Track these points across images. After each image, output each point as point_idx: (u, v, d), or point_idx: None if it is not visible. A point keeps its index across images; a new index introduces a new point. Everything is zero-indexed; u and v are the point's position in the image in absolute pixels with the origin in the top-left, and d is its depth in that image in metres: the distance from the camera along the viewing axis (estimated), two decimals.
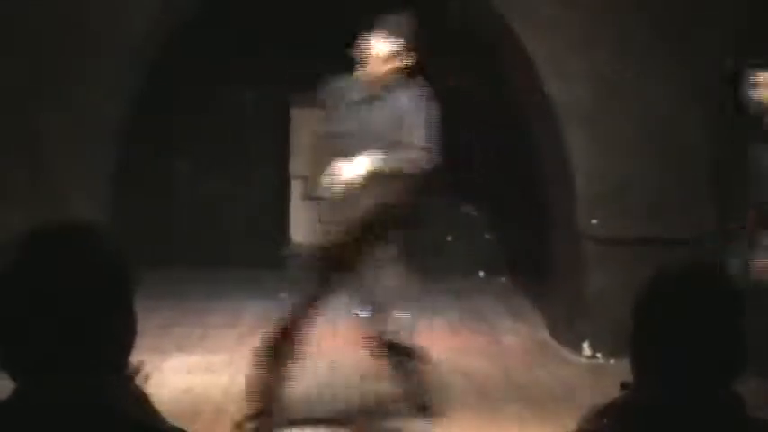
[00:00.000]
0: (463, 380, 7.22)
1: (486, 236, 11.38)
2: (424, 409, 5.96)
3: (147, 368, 1.92)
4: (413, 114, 5.71)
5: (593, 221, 7.68)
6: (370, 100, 5.68)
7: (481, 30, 8.64)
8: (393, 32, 5.68)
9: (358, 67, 5.76)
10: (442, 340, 8.07)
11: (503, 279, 10.96)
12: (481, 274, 11.33)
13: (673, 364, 2.06)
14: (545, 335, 8.58)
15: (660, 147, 7.72)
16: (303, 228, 13.08)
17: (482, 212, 11.17)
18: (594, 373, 7.20)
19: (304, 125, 13.13)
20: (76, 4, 7.46)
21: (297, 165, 13.00)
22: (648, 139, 7.69)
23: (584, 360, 7.69)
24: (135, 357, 1.95)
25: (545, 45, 7.69)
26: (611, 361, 7.40)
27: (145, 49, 7.81)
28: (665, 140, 7.74)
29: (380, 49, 5.63)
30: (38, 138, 7.44)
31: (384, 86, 5.70)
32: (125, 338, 1.92)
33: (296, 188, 13.29)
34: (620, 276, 7.12)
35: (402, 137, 5.62)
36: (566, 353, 7.90)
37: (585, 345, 7.73)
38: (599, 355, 7.68)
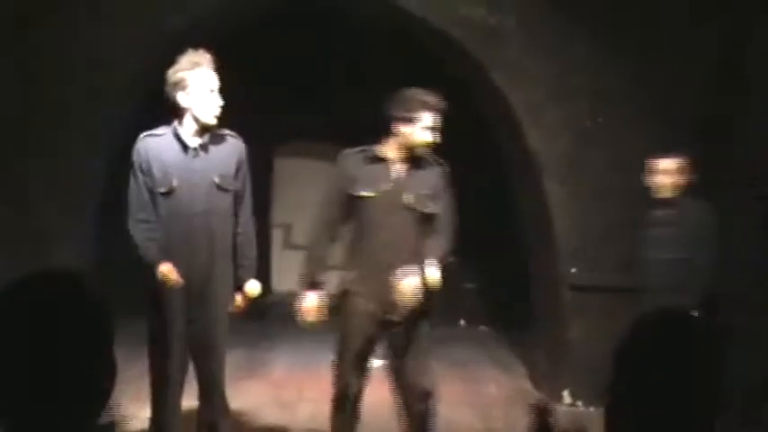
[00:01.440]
0: (444, 429, 7.21)
1: (468, 285, 11.42)
2: None
3: (124, 417, 1.94)
4: (442, 193, 5.87)
5: (573, 270, 7.73)
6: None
7: (460, 79, 8.72)
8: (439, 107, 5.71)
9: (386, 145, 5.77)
10: None
11: (484, 328, 10.98)
12: (462, 323, 11.36)
13: (648, 414, 2.09)
14: (526, 383, 8.60)
15: (638, 196, 7.78)
16: (284, 276, 13.12)
17: (463, 262, 11.21)
18: (575, 421, 7.21)
19: (286, 175, 13.21)
20: (64, 54, 7.51)
21: (278, 214, 13.06)
22: (627, 189, 7.75)
23: (564, 408, 7.70)
24: (113, 406, 1.97)
25: (524, 96, 7.78)
26: (591, 409, 7.42)
27: (129, 97, 7.85)
28: (646, 190, 7.80)
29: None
30: (22, 184, 7.46)
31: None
32: (104, 386, 1.93)
33: (277, 237, 13.33)
34: (600, 325, 7.15)
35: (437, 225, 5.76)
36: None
37: (566, 393, 7.75)
38: (579, 403, 7.70)
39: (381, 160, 5.74)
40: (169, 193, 5.41)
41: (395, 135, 5.72)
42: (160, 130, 5.52)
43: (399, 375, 5.84)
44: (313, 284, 5.75)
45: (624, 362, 2.13)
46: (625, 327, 2.17)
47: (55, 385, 1.84)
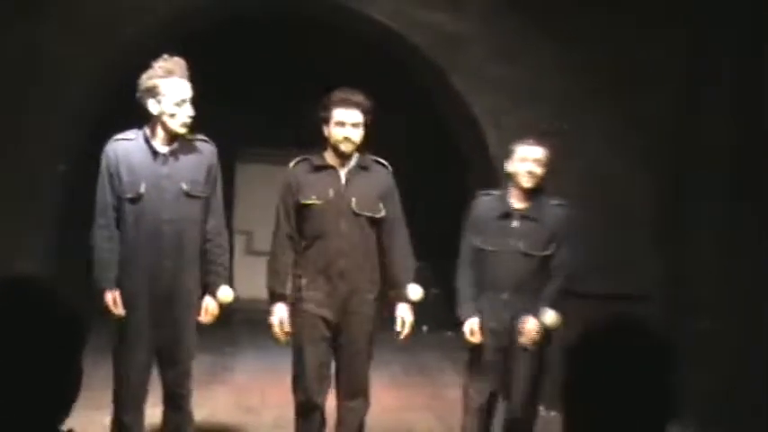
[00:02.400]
0: None
1: (433, 290, 11.43)
2: None
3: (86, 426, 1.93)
4: (390, 197, 5.92)
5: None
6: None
7: (423, 85, 8.75)
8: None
9: None
10: (386, 394, 8.06)
11: (449, 333, 10.99)
12: (425, 328, 11.35)
13: (602, 420, 2.11)
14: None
15: (603, 202, 7.83)
16: (246, 283, 13.08)
17: (428, 267, 11.22)
18: (541, 427, 7.22)
19: (248, 180, 13.18)
20: (22, 62, 7.46)
21: (240, 220, 13.01)
22: (593, 196, 7.80)
23: None
24: (76, 413, 1.96)
25: (486, 101, 7.80)
26: (553, 413, 7.44)
27: (88, 105, 7.81)
28: (609, 196, 7.85)
29: None
30: None
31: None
32: (68, 394, 1.92)
33: (239, 243, 13.29)
34: (566, 330, 7.17)
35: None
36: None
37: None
38: (542, 407, 7.70)
39: (326, 167, 5.75)
40: (137, 199, 5.38)
41: (327, 139, 5.75)
42: (130, 134, 5.48)
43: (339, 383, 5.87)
44: (281, 297, 5.76)
45: (577, 366, 2.15)
46: (577, 331, 2.20)
47: (19, 392, 1.83)
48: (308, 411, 5.80)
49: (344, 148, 5.70)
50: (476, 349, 5.93)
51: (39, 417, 1.86)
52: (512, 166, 5.85)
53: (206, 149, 5.59)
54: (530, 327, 5.73)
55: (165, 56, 5.46)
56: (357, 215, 5.70)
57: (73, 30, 7.54)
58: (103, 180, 5.43)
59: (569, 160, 7.84)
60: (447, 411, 7.95)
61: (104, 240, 5.41)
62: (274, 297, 5.79)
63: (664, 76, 7.78)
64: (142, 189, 5.37)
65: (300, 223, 5.75)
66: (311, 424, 5.82)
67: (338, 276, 5.64)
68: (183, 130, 5.44)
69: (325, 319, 5.70)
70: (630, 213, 7.85)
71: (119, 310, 5.35)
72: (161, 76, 5.38)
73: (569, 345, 2.20)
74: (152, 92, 5.38)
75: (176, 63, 5.44)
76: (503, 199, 5.90)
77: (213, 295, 5.60)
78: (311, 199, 5.69)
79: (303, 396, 5.78)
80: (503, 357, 5.83)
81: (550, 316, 5.76)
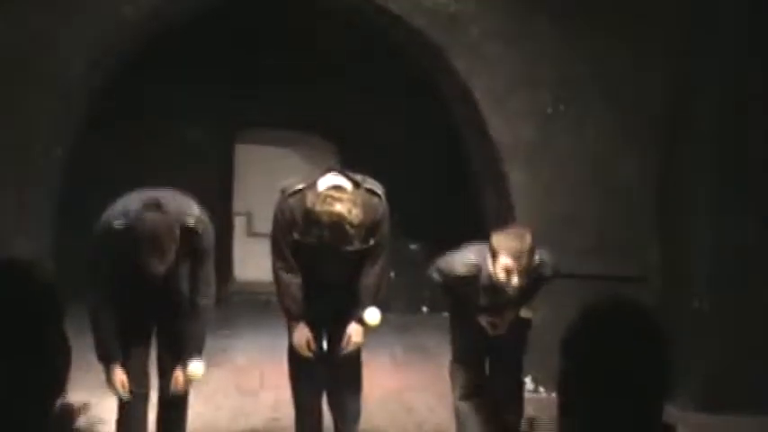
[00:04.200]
0: (407, 415, 7.24)
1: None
2: None
3: (83, 406, 1.94)
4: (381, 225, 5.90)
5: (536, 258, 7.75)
6: None
7: (421, 66, 8.72)
8: None
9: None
10: (386, 376, 8.08)
11: (447, 315, 11.01)
12: (425, 309, 11.37)
13: (597, 400, 2.11)
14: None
15: (602, 185, 7.83)
16: (246, 265, 13.08)
17: (426, 249, 11.22)
18: (537, 407, 7.23)
19: (248, 162, 13.16)
20: (16, 45, 7.43)
21: (240, 201, 13.00)
22: (590, 178, 7.79)
23: (527, 395, 7.71)
24: (72, 393, 1.96)
25: (486, 83, 7.79)
26: (554, 395, 7.45)
27: (85, 88, 7.78)
28: (607, 179, 7.84)
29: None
30: None
31: None
32: (58, 369, 1.93)
33: (239, 225, 13.28)
34: (563, 311, 7.16)
35: None
36: None
37: (528, 379, 7.77)
38: (542, 389, 7.72)
39: None
40: None
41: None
42: None
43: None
44: (299, 317, 5.80)
45: (574, 347, 2.16)
46: (576, 313, 2.20)
47: (10, 371, 1.84)
48: (306, 411, 6.00)
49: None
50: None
51: (28, 394, 1.86)
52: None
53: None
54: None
55: None
56: (349, 252, 5.67)
57: (70, 8, 7.50)
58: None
59: (568, 143, 7.83)
60: (447, 391, 7.97)
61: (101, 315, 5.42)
62: (292, 316, 5.84)
63: (663, 58, 7.76)
64: None
65: (294, 255, 5.80)
66: (311, 419, 6.03)
67: (328, 306, 5.87)
68: None
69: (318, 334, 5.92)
70: (629, 196, 7.83)
71: (126, 394, 5.48)
72: None
73: (566, 326, 2.20)
74: None
75: None
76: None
77: (184, 367, 5.52)
78: (303, 237, 5.67)
79: (301, 398, 6.00)
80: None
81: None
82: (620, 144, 7.82)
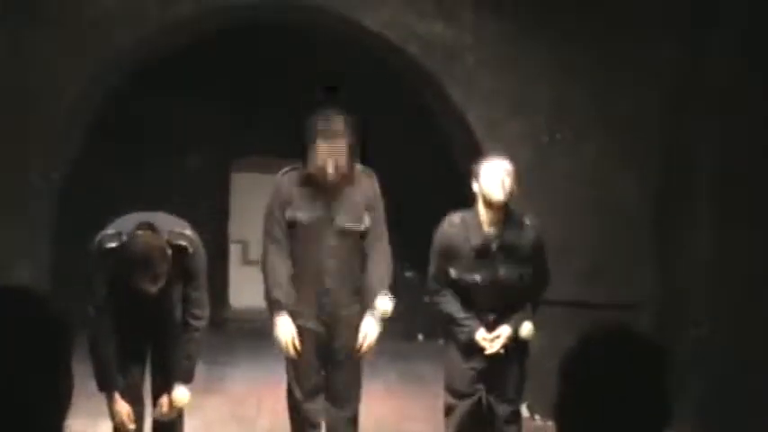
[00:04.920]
0: None
1: (426, 299, 11.43)
2: None
3: None
4: (374, 205, 5.87)
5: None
6: None
7: (420, 97, 8.77)
8: None
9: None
10: (382, 403, 8.06)
11: (442, 342, 10.99)
12: (420, 337, 11.36)
13: (595, 427, 2.12)
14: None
15: (599, 210, 7.84)
16: (242, 292, 13.07)
17: (422, 276, 11.21)
18: None
19: (243, 190, 13.17)
20: (15, 69, 7.46)
21: (236, 229, 13.01)
22: (587, 203, 7.81)
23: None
24: (70, 421, 1.96)
25: (482, 111, 7.82)
26: (549, 422, 7.44)
27: (83, 113, 7.82)
28: (604, 204, 7.86)
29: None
30: None
31: None
32: (61, 402, 1.93)
33: (235, 253, 13.29)
34: (559, 338, 7.17)
35: None
36: None
37: (523, 407, 7.75)
38: (537, 416, 7.72)
39: (313, 181, 5.67)
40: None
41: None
42: None
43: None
44: (283, 309, 5.66)
45: (571, 374, 2.16)
46: (573, 340, 2.21)
47: (12, 401, 1.84)
48: (302, 420, 5.80)
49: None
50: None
51: (30, 424, 1.86)
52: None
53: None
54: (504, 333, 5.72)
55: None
56: (344, 232, 5.65)
57: (68, 34, 7.53)
58: None
59: (565, 168, 7.85)
60: (441, 419, 7.95)
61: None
62: (275, 310, 5.68)
63: (658, 81, 7.79)
64: None
65: (289, 236, 5.72)
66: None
67: (326, 294, 5.65)
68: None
69: (315, 333, 5.70)
70: (626, 222, 7.85)
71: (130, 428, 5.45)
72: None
73: (564, 353, 2.21)
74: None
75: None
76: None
77: (169, 393, 5.47)
78: (298, 215, 5.66)
79: (297, 406, 5.78)
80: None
81: (527, 328, 5.79)
82: (617, 168, 7.84)
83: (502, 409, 5.92)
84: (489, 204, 5.63)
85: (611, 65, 7.82)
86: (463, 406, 5.87)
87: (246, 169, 13.06)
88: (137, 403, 5.53)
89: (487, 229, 5.68)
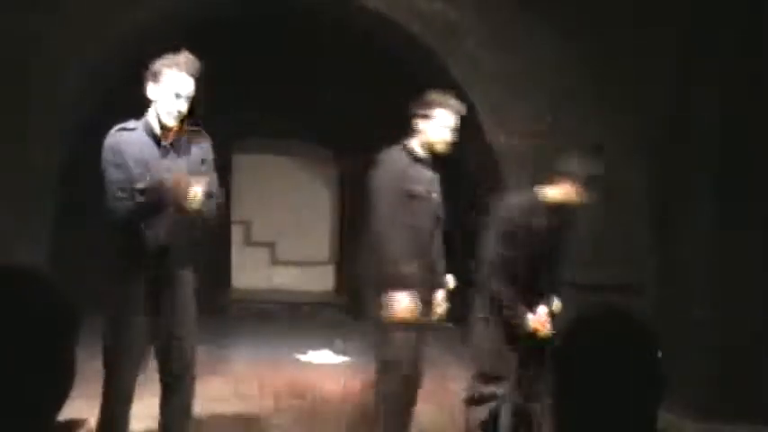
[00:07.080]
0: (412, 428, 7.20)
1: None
2: None
3: (83, 418, 1.93)
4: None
5: None
6: None
7: (420, 75, 8.74)
8: None
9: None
10: None
11: (450, 325, 11.01)
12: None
13: (591, 408, 2.13)
14: None
15: (603, 195, 7.84)
16: (244, 273, 13.09)
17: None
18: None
19: (246, 171, 13.17)
20: (15, 53, 7.46)
21: (238, 210, 13.00)
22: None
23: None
24: (71, 404, 1.96)
25: (484, 92, 7.80)
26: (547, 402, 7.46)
27: (84, 94, 7.81)
28: (606, 187, 7.86)
29: None
30: None
31: None
32: (63, 385, 1.93)
33: (237, 234, 13.28)
34: (561, 321, 7.18)
35: None
36: None
37: None
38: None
39: (420, 160, 5.87)
40: (143, 191, 5.33)
41: (416, 132, 5.87)
42: (131, 124, 5.43)
43: None
44: (402, 283, 5.78)
45: (567, 355, 2.17)
46: (573, 322, 2.22)
47: (13, 383, 1.84)
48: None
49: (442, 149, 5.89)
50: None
51: (32, 407, 1.86)
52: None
53: (203, 142, 5.55)
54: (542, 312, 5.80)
55: (185, 50, 5.44)
56: (437, 206, 6.02)
57: (71, 20, 7.52)
58: (110, 169, 5.34)
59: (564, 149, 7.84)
60: (450, 402, 7.97)
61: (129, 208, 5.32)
62: (394, 283, 5.78)
63: (663, 66, 7.78)
64: (149, 180, 5.32)
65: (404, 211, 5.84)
66: None
67: (429, 272, 5.99)
68: (171, 123, 5.38)
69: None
70: (628, 204, 7.85)
71: None
72: (167, 65, 5.36)
73: (559, 334, 2.22)
74: (154, 76, 5.36)
75: (187, 59, 5.41)
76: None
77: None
78: (417, 190, 5.86)
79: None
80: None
81: (557, 303, 5.93)
82: (619, 152, 7.83)
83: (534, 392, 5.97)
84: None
85: (614, 49, 7.81)
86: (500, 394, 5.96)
87: (247, 150, 13.06)
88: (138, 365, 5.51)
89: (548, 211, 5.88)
